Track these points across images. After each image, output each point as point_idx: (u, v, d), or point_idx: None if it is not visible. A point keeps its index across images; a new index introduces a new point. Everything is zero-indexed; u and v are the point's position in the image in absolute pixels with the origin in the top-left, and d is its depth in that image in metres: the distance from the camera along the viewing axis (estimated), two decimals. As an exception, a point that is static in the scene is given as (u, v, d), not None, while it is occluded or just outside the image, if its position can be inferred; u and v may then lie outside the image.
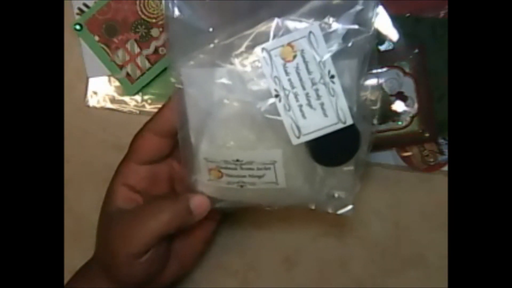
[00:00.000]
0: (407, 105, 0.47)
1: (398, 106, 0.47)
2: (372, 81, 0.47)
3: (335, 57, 0.36)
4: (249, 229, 0.51)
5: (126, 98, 0.50)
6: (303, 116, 0.37)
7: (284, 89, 0.37)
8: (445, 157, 0.48)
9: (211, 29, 0.37)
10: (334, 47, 0.36)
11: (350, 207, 0.41)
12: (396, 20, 0.46)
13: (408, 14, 0.47)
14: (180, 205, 0.41)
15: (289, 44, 0.36)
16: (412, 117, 0.48)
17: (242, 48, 0.37)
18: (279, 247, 0.51)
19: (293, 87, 0.37)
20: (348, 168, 0.40)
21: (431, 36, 0.47)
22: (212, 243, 0.51)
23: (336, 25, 0.36)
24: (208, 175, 0.41)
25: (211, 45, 0.37)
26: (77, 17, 0.49)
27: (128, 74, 0.49)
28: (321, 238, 0.51)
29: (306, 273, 0.51)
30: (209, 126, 0.39)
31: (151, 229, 0.40)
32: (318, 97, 0.37)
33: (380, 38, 0.47)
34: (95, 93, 0.51)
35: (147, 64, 0.49)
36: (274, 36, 0.36)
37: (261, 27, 0.37)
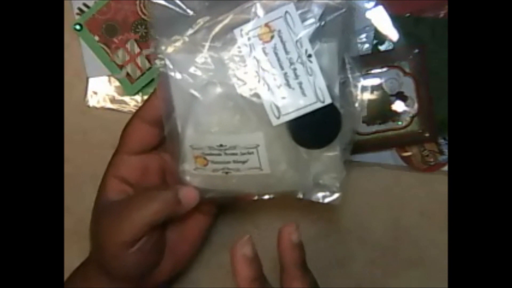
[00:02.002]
0: (407, 105, 0.47)
1: (398, 106, 0.47)
2: (372, 81, 0.47)
3: (314, 38, 0.37)
4: (249, 229, 0.51)
5: (126, 98, 0.50)
6: (282, 96, 0.37)
7: (263, 70, 0.37)
8: (445, 157, 0.48)
9: (191, 13, 0.38)
10: (311, 26, 0.37)
11: (337, 195, 0.41)
12: (396, 20, 0.46)
13: (408, 14, 0.47)
14: (169, 195, 0.41)
15: (266, 25, 0.37)
16: (412, 117, 0.48)
17: (222, 31, 0.37)
18: (279, 247, 0.51)
19: (272, 67, 0.37)
20: (333, 153, 0.40)
21: (431, 36, 0.47)
22: (212, 242, 0.51)
23: (311, 3, 0.36)
24: (194, 164, 0.41)
25: (192, 29, 0.38)
26: (77, 17, 0.49)
27: (128, 74, 0.49)
28: (321, 238, 0.51)
29: (306, 273, 0.51)
30: (194, 112, 0.39)
31: (140, 218, 0.40)
32: (296, 76, 0.37)
33: (380, 38, 0.47)
34: (95, 93, 0.51)
35: (147, 64, 0.49)
36: (252, 18, 0.37)
37: (239, 10, 0.37)
